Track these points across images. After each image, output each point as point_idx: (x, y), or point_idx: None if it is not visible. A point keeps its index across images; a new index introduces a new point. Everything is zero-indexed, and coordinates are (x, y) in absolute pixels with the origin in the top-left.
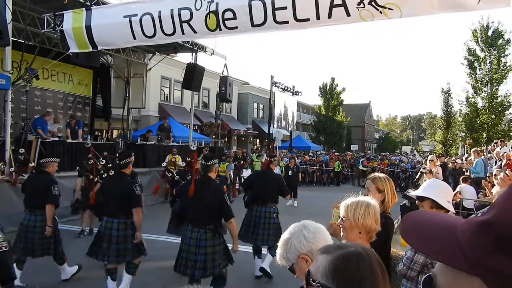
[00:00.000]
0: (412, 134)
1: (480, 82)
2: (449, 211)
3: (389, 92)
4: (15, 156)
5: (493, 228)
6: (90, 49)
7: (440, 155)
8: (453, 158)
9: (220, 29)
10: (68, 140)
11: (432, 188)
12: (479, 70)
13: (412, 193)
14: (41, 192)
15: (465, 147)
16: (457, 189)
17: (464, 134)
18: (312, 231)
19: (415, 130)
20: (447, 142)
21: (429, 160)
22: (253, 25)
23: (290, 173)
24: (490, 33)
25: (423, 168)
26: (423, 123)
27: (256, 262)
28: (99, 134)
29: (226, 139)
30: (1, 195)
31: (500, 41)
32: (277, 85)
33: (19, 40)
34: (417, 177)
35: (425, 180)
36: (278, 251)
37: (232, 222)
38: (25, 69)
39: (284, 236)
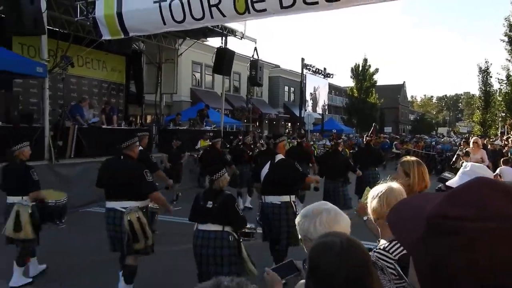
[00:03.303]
0: (449, 115)
1: None
2: None
3: (424, 72)
4: (54, 143)
5: (428, 218)
6: (122, 36)
7: (480, 136)
8: (492, 139)
9: (249, 12)
10: (103, 126)
11: (467, 177)
12: None
13: (448, 182)
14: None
15: (505, 127)
16: (497, 171)
17: (504, 114)
18: (325, 222)
19: (452, 111)
20: (486, 122)
21: (473, 142)
22: (282, 7)
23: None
24: None
25: (460, 150)
26: (460, 104)
27: None
28: (133, 119)
29: (257, 123)
30: (41, 179)
31: None
32: (308, 67)
33: (54, 29)
34: (453, 159)
35: (462, 163)
36: (297, 219)
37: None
38: (60, 57)
39: (303, 213)
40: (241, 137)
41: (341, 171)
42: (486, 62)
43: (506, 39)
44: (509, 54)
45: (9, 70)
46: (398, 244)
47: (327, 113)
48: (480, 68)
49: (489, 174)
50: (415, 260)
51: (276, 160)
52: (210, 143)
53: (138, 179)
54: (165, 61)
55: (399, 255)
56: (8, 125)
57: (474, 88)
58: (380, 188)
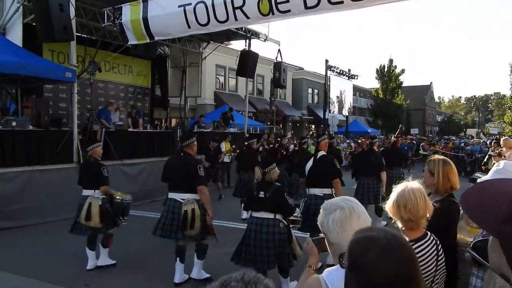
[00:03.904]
0: (478, 116)
1: None
2: None
3: (452, 72)
4: (82, 146)
5: None
6: (148, 40)
7: None
8: None
9: (273, 13)
10: (130, 129)
11: (499, 175)
12: None
13: (480, 179)
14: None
15: None
16: None
17: None
18: (337, 220)
19: (481, 111)
20: None
21: (504, 142)
22: (306, 7)
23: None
24: None
25: (492, 151)
26: (490, 104)
27: None
28: (158, 123)
29: (281, 125)
30: (71, 182)
31: None
32: (332, 69)
33: (82, 35)
34: (484, 160)
35: (493, 163)
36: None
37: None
38: (88, 62)
39: (323, 205)
40: (264, 139)
41: (375, 169)
42: None
43: None
44: None
45: (40, 77)
46: (414, 246)
47: (351, 115)
48: None
49: None
50: (504, 242)
51: (318, 156)
52: (246, 143)
53: (192, 173)
54: (189, 65)
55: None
56: (39, 129)
57: (504, 88)
58: (396, 188)
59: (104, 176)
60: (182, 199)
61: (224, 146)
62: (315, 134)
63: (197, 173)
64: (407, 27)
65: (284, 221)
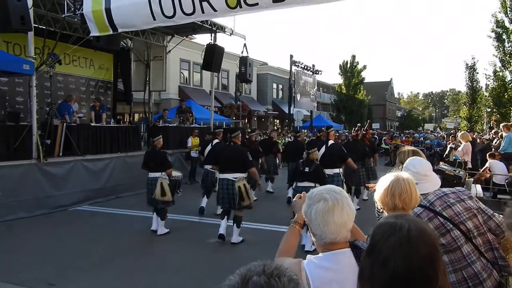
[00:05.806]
0: (435, 112)
1: (508, 55)
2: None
3: (410, 69)
4: (42, 141)
5: None
6: (111, 32)
7: (469, 131)
8: (480, 133)
9: (241, 6)
10: (92, 124)
11: (405, 170)
12: (508, 43)
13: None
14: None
15: (491, 122)
16: (487, 164)
17: (490, 109)
18: (320, 212)
19: (438, 107)
20: (473, 118)
21: (461, 136)
22: (274, 1)
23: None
24: None
25: (453, 144)
26: (446, 100)
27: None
28: (121, 118)
29: (246, 120)
30: (30, 178)
31: None
32: (296, 64)
33: (40, 26)
34: (446, 153)
35: (453, 155)
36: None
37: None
38: (47, 54)
39: (309, 194)
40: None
41: (360, 155)
42: (472, 58)
43: (493, 35)
44: (496, 50)
45: None
46: None
47: (315, 110)
48: (467, 64)
49: (421, 169)
50: None
51: (329, 144)
52: (247, 136)
53: (243, 158)
54: (153, 59)
55: None
56: None
57: (459, 84)
58: (388, 177)
59: (169, 161)
60: (234, 178)
61: (191, 141)
62: (280, 130)
63: (247, 158)
64: (370, 24)
65: None
